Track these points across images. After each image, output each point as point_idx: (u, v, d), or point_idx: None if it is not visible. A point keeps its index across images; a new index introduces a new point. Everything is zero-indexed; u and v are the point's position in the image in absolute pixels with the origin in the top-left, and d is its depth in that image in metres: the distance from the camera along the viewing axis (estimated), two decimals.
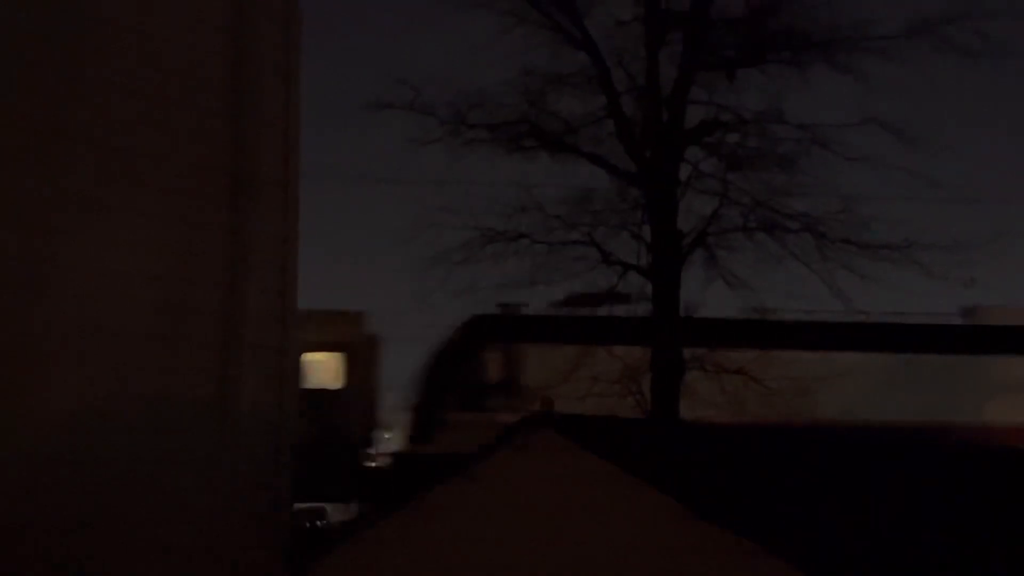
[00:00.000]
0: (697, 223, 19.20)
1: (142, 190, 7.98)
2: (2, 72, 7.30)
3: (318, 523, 18.94)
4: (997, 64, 18.07)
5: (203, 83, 8.48)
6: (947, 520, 7.66)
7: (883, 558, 6.55)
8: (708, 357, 18.89)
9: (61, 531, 7.36)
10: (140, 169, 7.98)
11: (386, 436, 29.16)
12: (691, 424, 14.41)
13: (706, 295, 19.44)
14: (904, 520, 7.44)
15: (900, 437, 10.61)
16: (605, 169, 19.52)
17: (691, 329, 19.00)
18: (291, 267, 8.99)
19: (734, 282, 19.04)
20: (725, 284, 19.05)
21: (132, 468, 7.72)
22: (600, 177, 19.65)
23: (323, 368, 24.02)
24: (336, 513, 21.03)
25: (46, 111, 7.53)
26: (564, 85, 19.30)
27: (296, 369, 9.03)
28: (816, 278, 18.79)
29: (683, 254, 18.94)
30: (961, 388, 24.59)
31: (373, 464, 25.50)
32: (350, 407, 24.70)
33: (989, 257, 18.40)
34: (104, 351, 7.69)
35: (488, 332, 23.81)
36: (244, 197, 8.58)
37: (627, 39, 19.29)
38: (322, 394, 22.95)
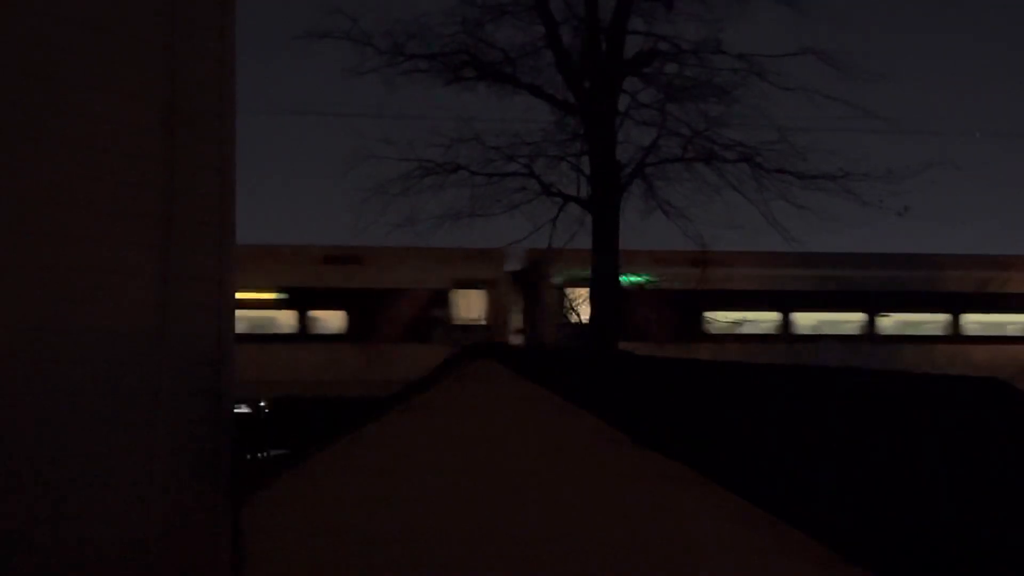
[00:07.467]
0: (636, 154, 19.23)
1: (72, 119, 7.81)
2: None
3: (259, 455, 18.91)
4: None
5: (135, 9, 8.28)
6: (891, 451, 7.78)
7: (827, 488, 6.64)
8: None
9: None
10: (69, 97, 7.80)
11: None
12: (633, 355, 14.48)
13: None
14: (848, 452, 7.54)
15: (843, 372, 10.77)
16: (544, 100, 19.46)
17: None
18: (228, 198, 8.85)
19: (672, 212, 19.15)
20: (663, 215, 19.16)
21: (68, 402, 7.64)
22: (539, 108, 19.60)
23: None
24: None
25: None
26: (503, 15, 19.18)
27: (234, 301, 8.91)
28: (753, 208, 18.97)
29: (622, 185, 18.96)
30: None
31: None
32: None
33: (922, 186, 18.71)
34: (38, 283, 7.56)
35: None
36: (179, 127, 8.43)
37: None
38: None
